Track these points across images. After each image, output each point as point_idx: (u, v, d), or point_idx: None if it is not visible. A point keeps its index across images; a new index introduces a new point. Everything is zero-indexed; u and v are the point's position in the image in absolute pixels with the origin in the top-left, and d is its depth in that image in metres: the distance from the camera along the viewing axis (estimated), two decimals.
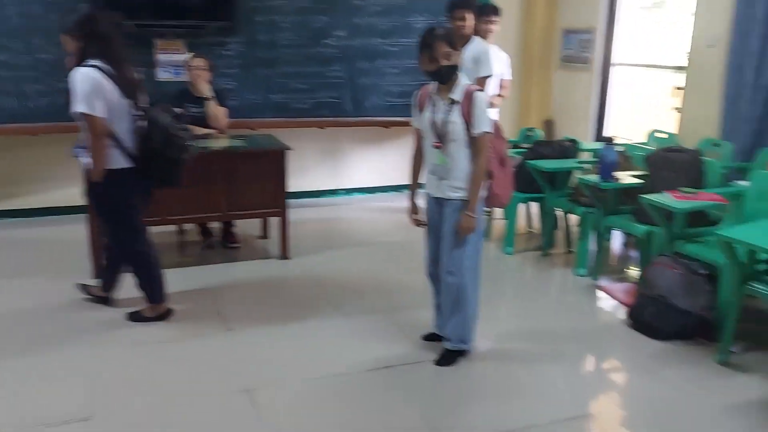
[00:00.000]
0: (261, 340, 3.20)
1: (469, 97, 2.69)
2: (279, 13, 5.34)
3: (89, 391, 2.67)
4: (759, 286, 2.84)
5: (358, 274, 4.16)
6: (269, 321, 3.41)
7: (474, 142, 2.72)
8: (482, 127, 2.69)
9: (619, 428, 2.55)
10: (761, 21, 4.19)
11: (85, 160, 3.10)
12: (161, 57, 5.11)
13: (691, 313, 3.22)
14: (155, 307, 3.36)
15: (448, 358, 2.97)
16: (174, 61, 5.10)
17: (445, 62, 2.67)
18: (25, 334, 3.21)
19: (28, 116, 4.87)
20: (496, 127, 2.89)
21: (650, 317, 3.33)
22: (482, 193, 2.80)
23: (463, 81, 2.76)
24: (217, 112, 4.42)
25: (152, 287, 3.34)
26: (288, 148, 4.25)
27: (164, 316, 3.38)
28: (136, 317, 3.35)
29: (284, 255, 4.39)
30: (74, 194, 4.32)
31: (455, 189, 2.78)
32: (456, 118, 2.70)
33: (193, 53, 4.60)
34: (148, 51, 5.06)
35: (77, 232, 4.18)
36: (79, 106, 2.91)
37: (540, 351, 3.14)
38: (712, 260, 3.24)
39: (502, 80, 4.81)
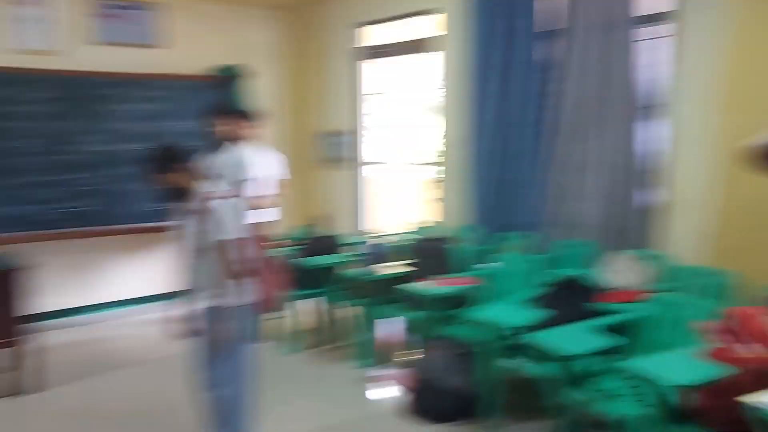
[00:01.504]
0: None
1: (206, 206, 2.68)
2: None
3: None
4: (509, 361, 3.04)
5: (126, 401, 3.75)
6: None
7: (216, 249, 2.68)
8: (221, 233, 2.66)
9: None
10: (491, 125, 4.77)
11: None
12: None
13: (450, 392, 3.36)
14: None
15: None
16: None
17: (173, 184, 2.73)
18: None
19: None
20: (258, 230, 2.86)
21: (423, 401, 3.41)
22: (244, 299, 2.73)
23: (219, 186, 2.80)
24: None
25: None
26: (15, 267, 3.78)
27: None
28: None
29: (20, 389, 3.82)
30: None
31: (213, 297, 2.69)
32: (206, 227, 2.66)
33: None
34: None
35: None
36: None
37: None
38: (472, 339, 3.43)
39: (280, 180, 4.71)
